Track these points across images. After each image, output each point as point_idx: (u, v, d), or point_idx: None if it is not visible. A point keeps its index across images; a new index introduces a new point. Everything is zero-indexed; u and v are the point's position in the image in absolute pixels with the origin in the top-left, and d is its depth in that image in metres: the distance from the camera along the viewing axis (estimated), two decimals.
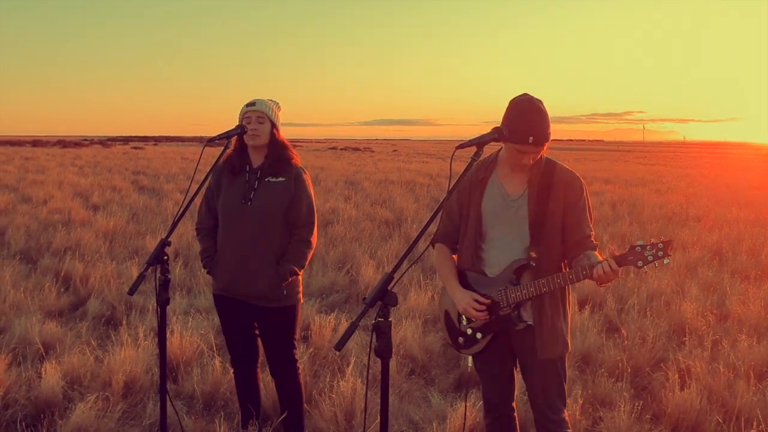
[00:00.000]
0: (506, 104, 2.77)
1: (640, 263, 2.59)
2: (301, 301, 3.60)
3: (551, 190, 2.84)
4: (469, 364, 3.05)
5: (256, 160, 3.50)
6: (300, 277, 3.56)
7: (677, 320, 5.89)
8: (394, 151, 66.67)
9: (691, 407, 4.09)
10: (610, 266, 2.58)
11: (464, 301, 2.88)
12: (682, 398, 4.16)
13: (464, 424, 3.78)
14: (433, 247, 3.14)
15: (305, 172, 3.55)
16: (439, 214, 2.52)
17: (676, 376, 4.48)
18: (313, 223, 3.52)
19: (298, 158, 3.56)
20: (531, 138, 2.69)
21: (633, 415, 4.00)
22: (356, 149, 65.97)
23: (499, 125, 2.72)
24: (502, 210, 2.88)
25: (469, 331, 2.94)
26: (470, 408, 4.00)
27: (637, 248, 2.61)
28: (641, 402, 4.28)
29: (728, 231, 10.98)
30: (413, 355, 5.05)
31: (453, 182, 2.58)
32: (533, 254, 2.80)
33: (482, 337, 2.91)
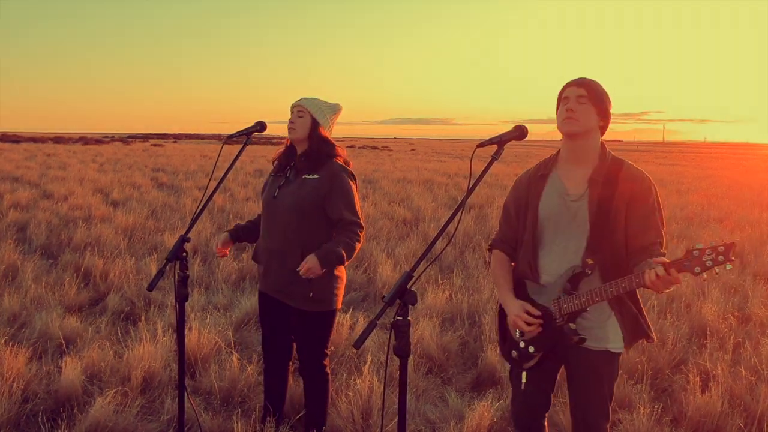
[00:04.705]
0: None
1: (697, 269, 2.29)
2: (339, 307, 3.50)
3: (615, 190, 2.61)
4: (524, 381, 2.83)
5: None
6: (338, 284, 3.47)
7: (698, 322, 5.82)
8: (412, 150, 66.61)
9: (712, 411, 4.04)
10: (657, 273, 2.31)
11: (514, 312, 2.71)
12: (703, 401, 4.11)
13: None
14: (490, 252, 2.99)
15: (347, 172, 3.43)
16: (458, 215, 2.45)
17: (697, 378, 4.43)
18: (360, 225, 3.39)
19: (342, 158, 3.48)
20: (573, 80, 2.66)
21: (653, 418, 3.96)
22: (374, 148, 66.04)
23: (519, 123, 2.66)
24: (560, 211, 2.69)
25: (522, 344, 2.76)
26: (488, 407, 3.98)
27: (694, 252, 2.31)
28: (661, 405, 4.23)
29: (750, 233, 10.84)
30: (430, 354, 5.03)
31: (473, 181, 2.51)
32: (589, 261, 2.59)
33: (534, 351, 2.72)
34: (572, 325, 2.62)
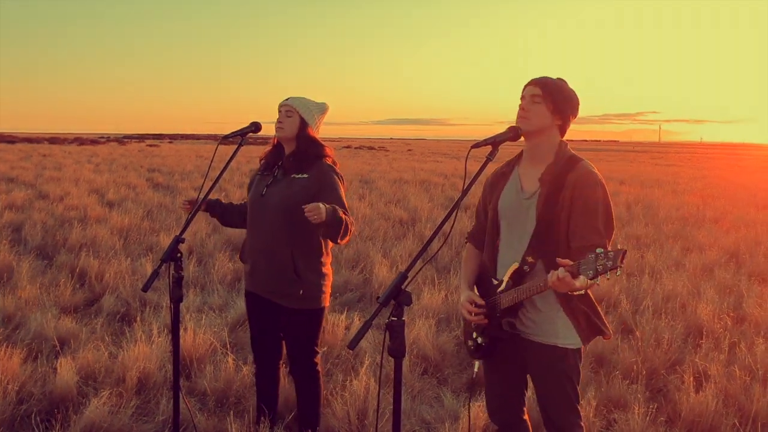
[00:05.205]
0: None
1: (590, 273, 2.28)
2: (326, 305, 3.51)
3: (561, 190, 2.62)
4: (476, 369, 2.98)
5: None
6: (326, 282, 3.49)
7: (693, 322, 5.83)
8: (409, 150, 66.67)
9: (706, 410, 4.04)
10: (558, 276, 2.34)
11: (461, 300, 2.81)
12: (698, 401, 4.11)
13: (469, 425, 3.75)
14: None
15: (336, 173, 3.45)
16: (453, 215, 2.46)
17: (692, 378, 4.44)
18: (351, 220, 3.37)
19: (330, 158, 3.49)
20: (531, 79, 2.66)
21: (647, 418, 3.97)
22: (371, 148, 66.08)
23: (514, 124, 2.68)
24: (515, 208, 2.74)
25: (475, 335, 2.84)
26: (483, 408, 3.97)
27: (590, 256, 2.30)
28: (656, 404, 4.24)
29: (745, 233, 10.87)
30: (426, 355, 5.04)
31: (468, 182, 2.52)
32: (530, 259, 2.63)
33: (482, 342, 2.80)
34: (510, 320, 2.68)
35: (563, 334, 2.69)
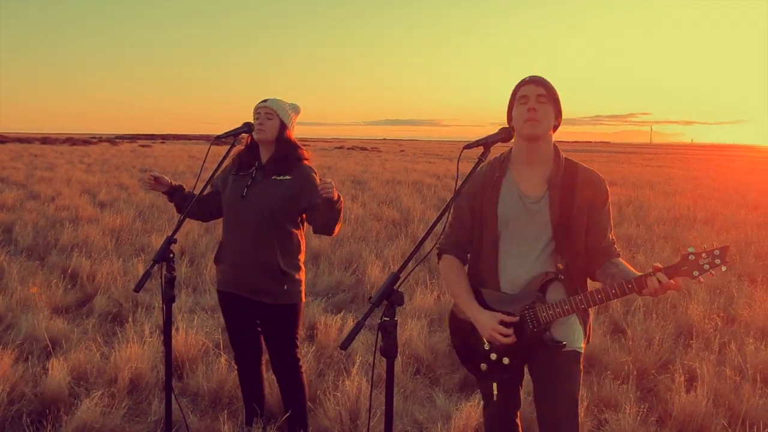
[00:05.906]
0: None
1: (696, 273, 2.34)
2: (303, 300, 3.58)
3: (576, 192, 2.58)
4: (495, 392, 2.73)
5: (266, 157, 3.52)
6: (303, 277, 3.55)
7: (684, 323, 5.86)
8: (401, 151, 66.68)
9: (696, 410, 4.07)
10: (659, 280, 2.34)
11: (489, 324, 2.57)
12: (688, 401, 4.14)
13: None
14: (439, 258, 2.85)
15: (315, 172, 3.53)
16: (445, 215, 2.43)
17: (682, 378, 4.46)
18: None
19: (309, 159, 3.56)
20: (528, 77, 2.60)
21: (638, 418, 3.99)
22: (363, 149, 66.03)
23: (505, 125, 2.67)
24: (520, 214, 2.62)
25: (494, 356, 2.65)
26: (475, 408, 3.99)
27: (690, 257, 2.35)
28: (647, 404, 4.27)
29: (736, 234, 10.94)
30: (418, 355, 5.04)
31: (460, 183, 2.52)
32: (560, 266, 2.56)
33: (510, 362, 2.62)
34: (549, 333, 2.57)
35: (577, 337, 2.67)
